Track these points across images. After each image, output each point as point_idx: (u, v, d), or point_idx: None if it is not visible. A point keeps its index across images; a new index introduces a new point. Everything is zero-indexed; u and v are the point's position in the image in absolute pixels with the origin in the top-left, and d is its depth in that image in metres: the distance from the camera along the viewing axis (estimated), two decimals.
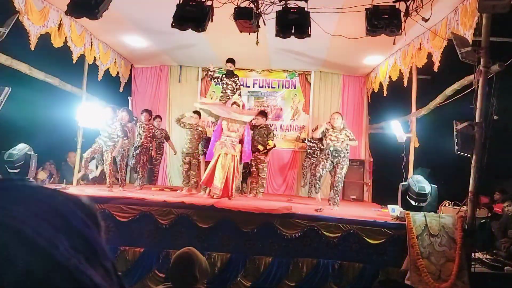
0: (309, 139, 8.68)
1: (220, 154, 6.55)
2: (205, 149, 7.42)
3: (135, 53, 9.10)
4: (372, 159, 9.45)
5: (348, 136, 6.55)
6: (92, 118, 7.23)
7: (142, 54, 9.09)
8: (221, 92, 7.75)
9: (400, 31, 4.91)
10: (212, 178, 6.49)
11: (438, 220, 4.83)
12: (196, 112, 7.93)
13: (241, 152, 6.80)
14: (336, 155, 6.46)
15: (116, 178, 7.68)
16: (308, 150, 8.62)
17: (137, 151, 7.74)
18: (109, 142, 6.89)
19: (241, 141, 6.82)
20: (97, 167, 8.19)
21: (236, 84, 7.68)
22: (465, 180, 4.85)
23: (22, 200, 0.40)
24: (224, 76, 7.68)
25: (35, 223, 0.38)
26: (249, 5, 5.16)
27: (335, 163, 6.52)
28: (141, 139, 7.78)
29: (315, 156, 8.32)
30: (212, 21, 5.17)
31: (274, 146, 7.78)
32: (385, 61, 8.08)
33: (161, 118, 9.02)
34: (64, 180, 7.78)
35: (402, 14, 4.89)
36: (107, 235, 5.10)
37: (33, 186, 0.44)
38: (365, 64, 8.81)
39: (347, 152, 6.56)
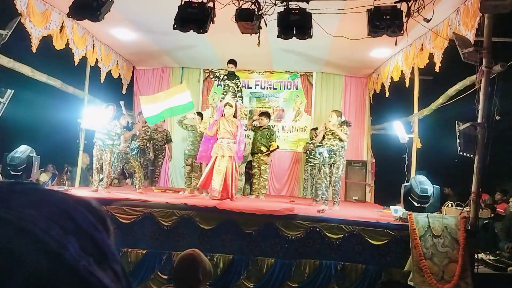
0: (309, 142, 8.64)
1: (216, 157, 6.54)
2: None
3: (137, 55, 9.11)
4: (374, 160, 9.44)
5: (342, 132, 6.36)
6: (95, 120, 7.24)
7: (144, 56, 9.10)
8: (222, 94, 7.75)
9: (402, 32, 4.91)
10: (209, 181, 6.48)
11: (441, 221, 4.82)
12: (198, 114, 7.93)
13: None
14: (332, 154, 6.36)
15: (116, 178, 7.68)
16: (310, 151, 8.54)
17: (133, 153, 7.74)
18: (108, 141, 6.88)
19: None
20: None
21: (238, 86, 7.67)
22: (468, 180, 4.84)
23: (33, 203, 0.41)
24: (225, 77, 7.67)
25: (46, 225, 0.38)
26: (250, 6, 5.17)
27: (331, 163, 6.41)
28: (137, 141, 7.77)
29: (312, 157, 8.29)
30: (213, 22, 5.18)
31: (278, 147, 7.78)
32: (386, 62, 8.08)
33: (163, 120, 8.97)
34: (67, 182, 7.78)
35: (403, 14, 4.89)
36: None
37: (45, 190, 0.44)
38: (366, 65, 8.81)
39: (343, 151, 6.40)
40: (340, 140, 6.30)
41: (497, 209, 7.71)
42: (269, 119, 7.89)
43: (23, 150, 5.93)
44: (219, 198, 6.31)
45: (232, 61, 7.61)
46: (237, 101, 7.72)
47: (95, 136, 6.93)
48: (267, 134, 7.62)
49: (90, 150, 7.23)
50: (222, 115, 6.75)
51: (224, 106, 6.82)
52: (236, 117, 6.83)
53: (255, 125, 7.83)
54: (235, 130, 6.64)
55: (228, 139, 6.58)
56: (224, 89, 7.73)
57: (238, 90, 7.69)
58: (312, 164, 8.27)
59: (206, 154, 6.80)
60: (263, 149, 7.46)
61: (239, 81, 7.79)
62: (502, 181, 8.36)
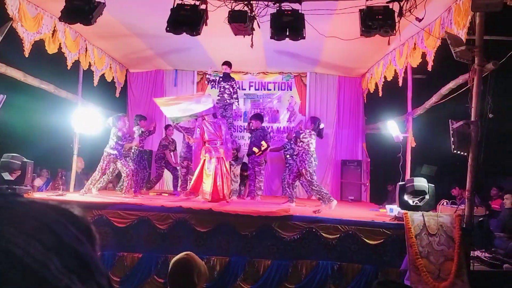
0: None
1: (205, 159, 6.53)
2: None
3: (130, 58, 9.08)
4: (369, 160, 9.46)
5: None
6: (88, 124, 7.20)
7: (137, 58, 9.07)
8: (218, 96, 7.73)
9: (394, 32, 4.93)
10: (198, 185, 6.48)
11: (436, 219, 4.83)
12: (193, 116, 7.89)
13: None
14: (295, 158, 6.49)
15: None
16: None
17: (138, 158, 7.74)
18: (122, 150, 6.95)
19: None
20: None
21: (233, 88, 7.67)
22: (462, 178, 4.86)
23: (12, 219, 0.40)
24: (221, 79, 7.66)
25: (26, 243, 0.37)
26: (243, 8, 5.16)
27: (298, 166, 6.44)
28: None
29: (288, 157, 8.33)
30: (206, 24, 5.18)
31: (268, 146, 7.76)
32: (380, 61, 8.10)
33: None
34: (62, 187, 7.72)
35: (396, 14, 4.91)
36: (105, 241, 5.07)
37: (24, 202, 0.43)
38: (360, 64, 8.83)
39: (305, 155, 6.28)
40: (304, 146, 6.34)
41: (492, 206, 7.74)
42: (260, 120, 7.88)
43: (16, 156, 5.89)
44: (210, 200, 6.30)
45: (227, 63, 7.61)
46: (233, 102, 7.74)
47: (110, 147, 6.77)
48: (260, 135, 7.63)
49: (84, 154, 7.18)
50: (203, 118, 6.72)
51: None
52: (216, 117, 6.81)
53: (250, 127, 7.84)
54: (219, 131, 6.64)
55: (214, 141, 6.59)
56: (220, 91, 7.72)
57: (233, 92, 7.69)
58: (288, 165, 8.28)
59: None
60: (255, 149, 7.47)
61: (235, 83, 7.79)
62: (497, 180, 8.39)
